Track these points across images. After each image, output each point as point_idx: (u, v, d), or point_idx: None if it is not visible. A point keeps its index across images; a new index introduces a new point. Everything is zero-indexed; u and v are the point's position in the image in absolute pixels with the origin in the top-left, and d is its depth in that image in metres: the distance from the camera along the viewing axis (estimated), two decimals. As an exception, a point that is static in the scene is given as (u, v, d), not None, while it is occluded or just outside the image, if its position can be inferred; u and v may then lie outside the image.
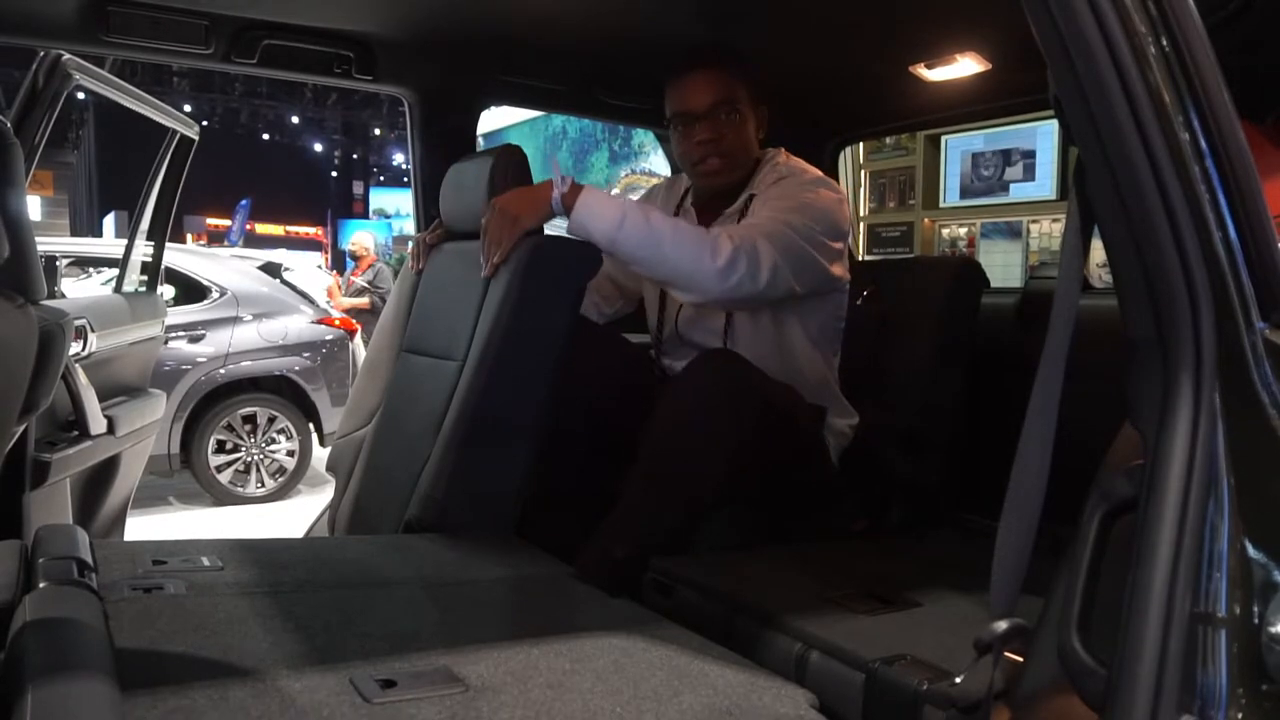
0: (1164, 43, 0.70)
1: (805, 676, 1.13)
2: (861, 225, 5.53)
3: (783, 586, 1.40)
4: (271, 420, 5.03)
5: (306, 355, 5.10)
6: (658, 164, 8.33)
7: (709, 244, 1.61)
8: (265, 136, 20.14)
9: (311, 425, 5.09)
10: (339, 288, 8.05)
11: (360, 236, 8.55)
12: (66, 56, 2.00)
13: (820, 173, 1.86)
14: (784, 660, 1.16)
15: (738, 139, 1.80)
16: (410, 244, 2.15)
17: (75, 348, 2.09)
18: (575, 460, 1.79)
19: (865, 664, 1.09)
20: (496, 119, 9.77)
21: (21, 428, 1.67)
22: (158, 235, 2.81)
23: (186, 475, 4.89)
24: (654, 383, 1.85)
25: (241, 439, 4.96)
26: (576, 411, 1.72)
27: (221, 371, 4.88)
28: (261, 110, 19.10)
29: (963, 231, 5.57)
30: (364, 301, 7.58)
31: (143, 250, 2.85)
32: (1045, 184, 5.08)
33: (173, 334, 4.60)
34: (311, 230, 21.44)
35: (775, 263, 1.63)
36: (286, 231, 20.65)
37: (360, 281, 7.85)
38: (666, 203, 1.99)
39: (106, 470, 2.34)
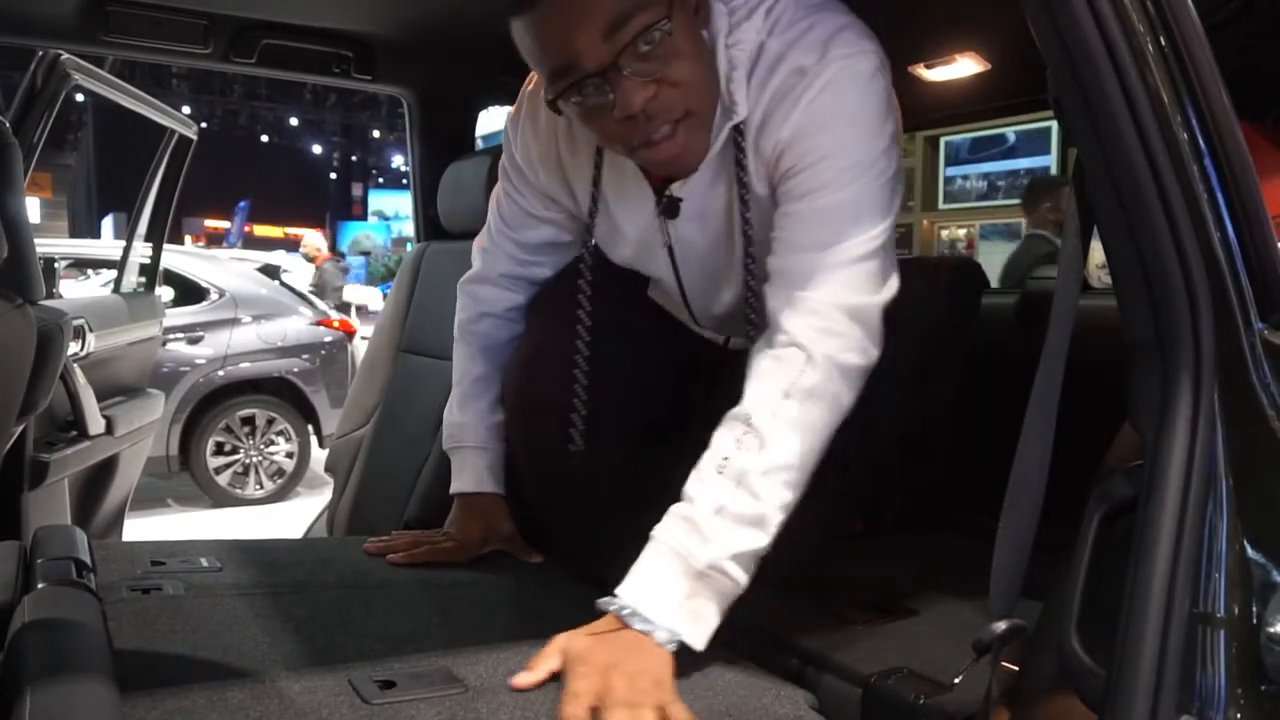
0: (1163, 43, 0.70)
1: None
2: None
3: (778, 597, 1.38)
4: (270, 422, 5.02)
5: (305, 357, 5.09)
6: (657, 165, 8.30)
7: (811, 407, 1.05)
8: (264, 138, 20.15)
9: (310, 427, 5.09)
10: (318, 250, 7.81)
11: (313, 238, 8.38)
12: (65, 56, 1.99)
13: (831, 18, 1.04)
14: (780, 675, 1.16)
15: (689, 74, 0.99)
16: (408, 247, 2.14)
17: (74, 348, 2.09)
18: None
19: (862, 678, 1.08)
20: (497, 119, 9.77)
21: (20, 428, 1.67)
22: (156, 236, 2.81)
23: (185, 477, 4.88)
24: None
25: (240, 441, 4.95)
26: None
27: (220, 373, 4.88)
28: (261, 112, 19.11)
29: (962, 233, 5.59)
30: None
31: (141, 251, 2.85)
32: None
33: (171, 335, 4.59)
34: (310, 232, 21.43)
35: (863, 332, 1.07)
36: (285, 233, 20.65)
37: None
38: (573, 168, 1.21)
39: (105, 470, 2.34)
